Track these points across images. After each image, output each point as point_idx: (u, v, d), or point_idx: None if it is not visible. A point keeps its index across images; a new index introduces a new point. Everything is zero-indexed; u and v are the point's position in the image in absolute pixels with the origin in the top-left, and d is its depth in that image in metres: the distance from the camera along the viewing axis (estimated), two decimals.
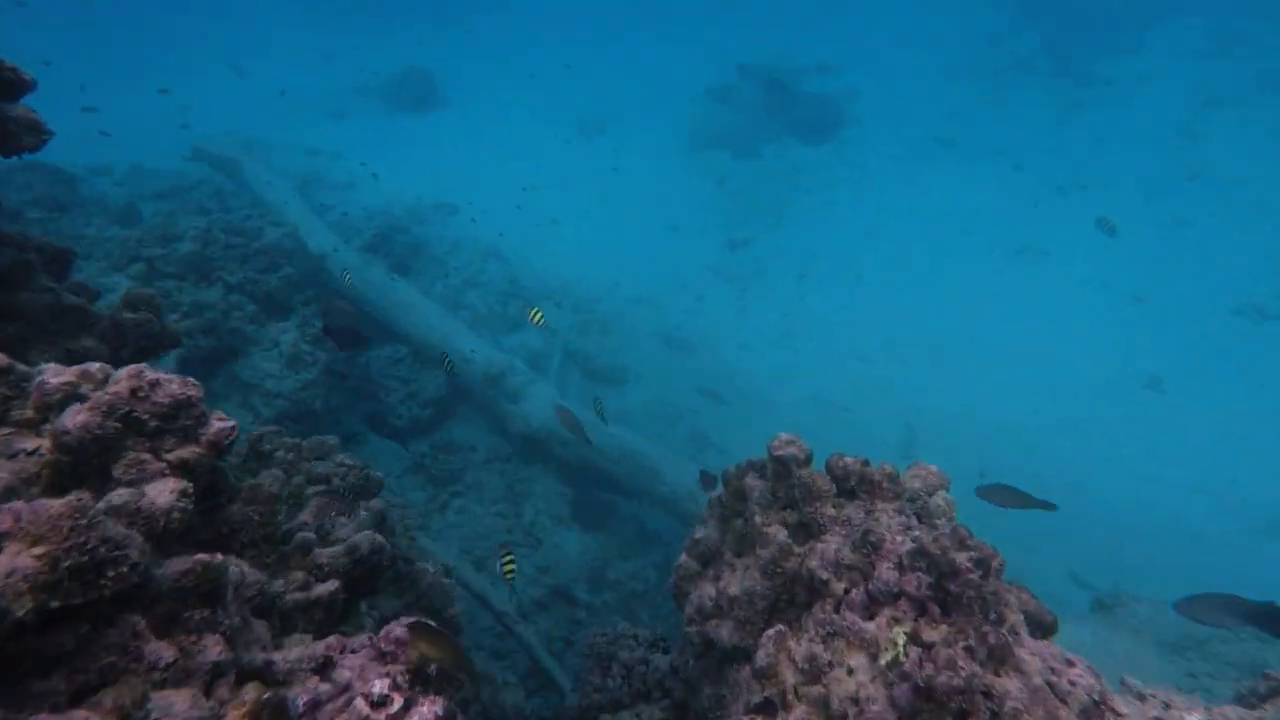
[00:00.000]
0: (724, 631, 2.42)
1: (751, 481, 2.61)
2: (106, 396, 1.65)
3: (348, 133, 17.43)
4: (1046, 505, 2.93)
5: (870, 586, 2.00)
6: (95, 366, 1.78)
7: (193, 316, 7.25)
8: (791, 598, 2.30)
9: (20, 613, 1.16)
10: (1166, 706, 1.88)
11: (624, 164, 16.99)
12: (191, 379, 1.80)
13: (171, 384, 1.71)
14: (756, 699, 2.04)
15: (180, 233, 8.20)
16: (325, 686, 1.54)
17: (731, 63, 21.07)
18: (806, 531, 2.38)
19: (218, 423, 1.79)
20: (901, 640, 1.82)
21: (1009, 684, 1.61)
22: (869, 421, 12.16)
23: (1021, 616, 1.95)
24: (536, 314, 7.25)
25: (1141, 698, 1.93)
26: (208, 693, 1.39)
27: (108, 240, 8.10)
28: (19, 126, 2.22)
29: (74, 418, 1.59)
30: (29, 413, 1.70)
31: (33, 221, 8.21)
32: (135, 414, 1.65)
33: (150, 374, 1.72)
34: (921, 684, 1.64)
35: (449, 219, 14.00)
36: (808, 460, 2.55)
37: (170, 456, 1.67)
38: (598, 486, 9.97)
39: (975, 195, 14.87)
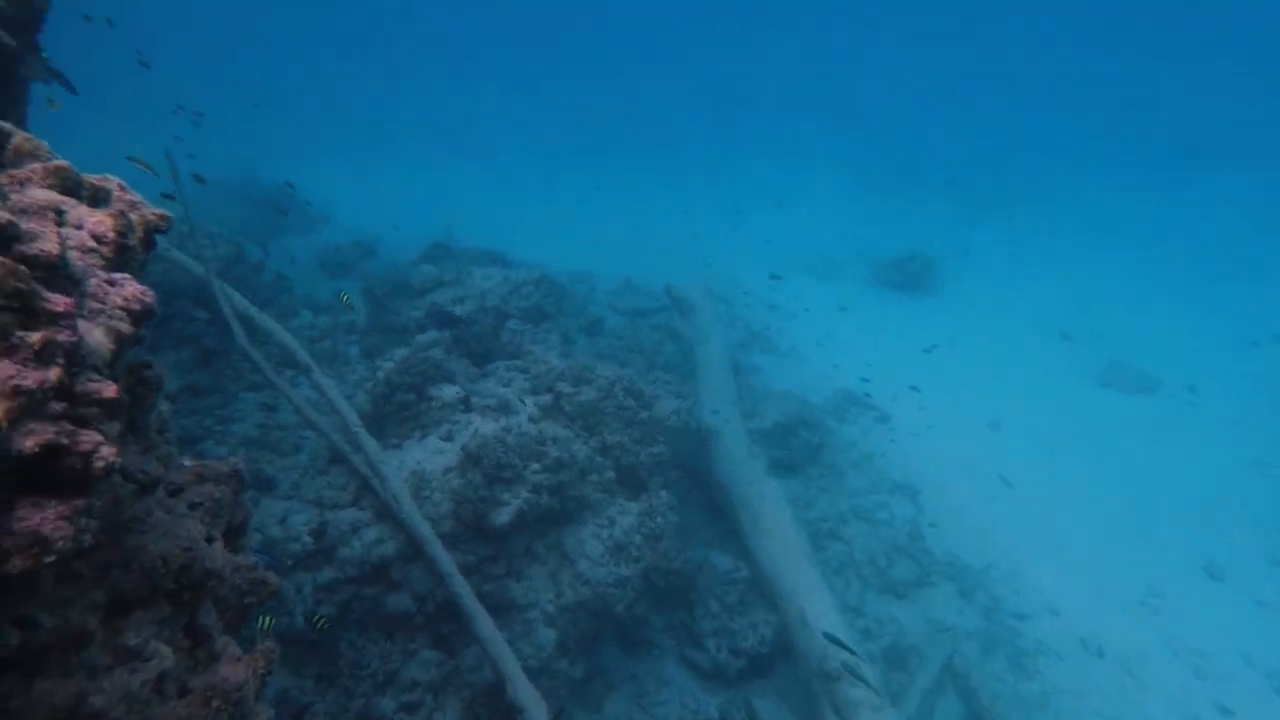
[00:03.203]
0: None
1: None
2: None
3: (818, 296, 17.48)
4: None
5: None
6: None
7: (550, 472, 7.30)
8: None
9: None
10: None
11: (1155, 432, 12.39)
12: None
13: None
14: None
15: (592, 379, 8.63)
16: None
17: None
18: None
19: None
20: None
21: None
22: None
23: None
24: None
25: None
26: None
27: (542, 364, 9.06)
28: None
29: None
30: None
31: (508, 330, 9.81)
32: None
33: None
34: None
35: (873, 427, 12.24)
36: None
37: None
38: None
39: None
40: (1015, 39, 51.33)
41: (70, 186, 2.33)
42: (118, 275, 2.08)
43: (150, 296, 2.09)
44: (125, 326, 1.92)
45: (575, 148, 30.45)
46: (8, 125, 2.37)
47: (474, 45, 47.86)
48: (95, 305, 1.91)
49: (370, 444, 7.22)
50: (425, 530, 6.59)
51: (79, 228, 2.20)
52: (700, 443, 9.83)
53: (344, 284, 14.52)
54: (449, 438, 7.89)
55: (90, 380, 1.46)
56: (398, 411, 8.17)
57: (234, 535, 2.63)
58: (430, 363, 8.45)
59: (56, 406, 1.35)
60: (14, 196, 2.11)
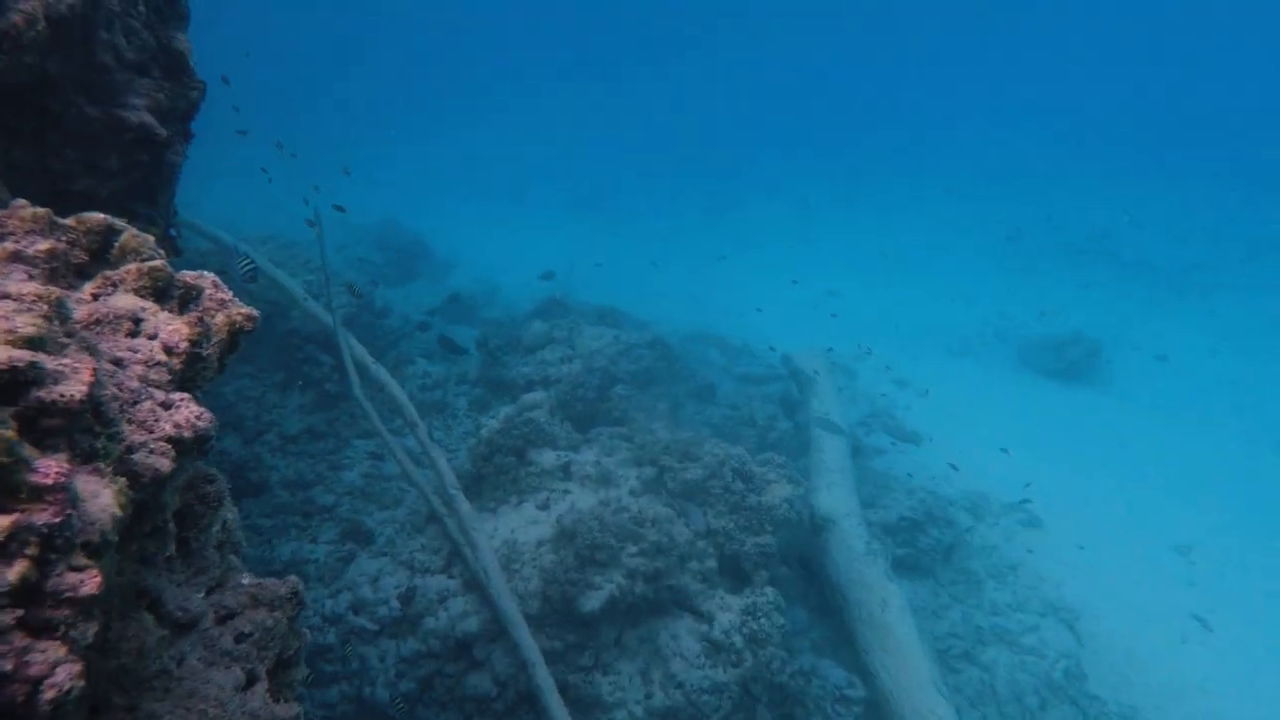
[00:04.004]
0: None
1: None
2: None
3: (953, 377, 16.01)
4: None
5: None
6: None
7: (648, 557, 6.84)
8: None
9: None
10: None
11: None
12: None
13: None
14: None
15: (700, 455, 8.15)
16: None
17: None
18: None
19: None
20: None
21: None
22: None
23: None
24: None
25: None
26: None
27: (647, 434, 8.71)
28: None
29: None
30: None
31: (615, 395, 9.60)
32: None
33: None
34: None
35: (1019, 532, 10.75)
36: None
37: None
38: None
39: None
40: (1230, 84, 45.13)
41: (161, 287, 2.23)
42: (176, 396, 1.91)
43: (205, 420, 1.90)
44: (165, 463, 1.72)
45: (701, 208, 30.44)
46: (120, 223, 2.34)
47: (602, 103, 49.83)
48: (138, 437, 1.73)
49: (465, 508, 7.11)
50: (513, 611, 6.31)
51: (153, 337, 2.08)
52: (813, 532, 9.01)
53: (463, 331, 14.99)
54: (545, 506, 7.66)
55: (69, 570, 1.21)
56: (496, 474, 8.08)
57: (284, 669, 2.39)
58: (533, 425, 8.34)
59: (7, 617, 1.11)
60: (87, 306, 2.00)
